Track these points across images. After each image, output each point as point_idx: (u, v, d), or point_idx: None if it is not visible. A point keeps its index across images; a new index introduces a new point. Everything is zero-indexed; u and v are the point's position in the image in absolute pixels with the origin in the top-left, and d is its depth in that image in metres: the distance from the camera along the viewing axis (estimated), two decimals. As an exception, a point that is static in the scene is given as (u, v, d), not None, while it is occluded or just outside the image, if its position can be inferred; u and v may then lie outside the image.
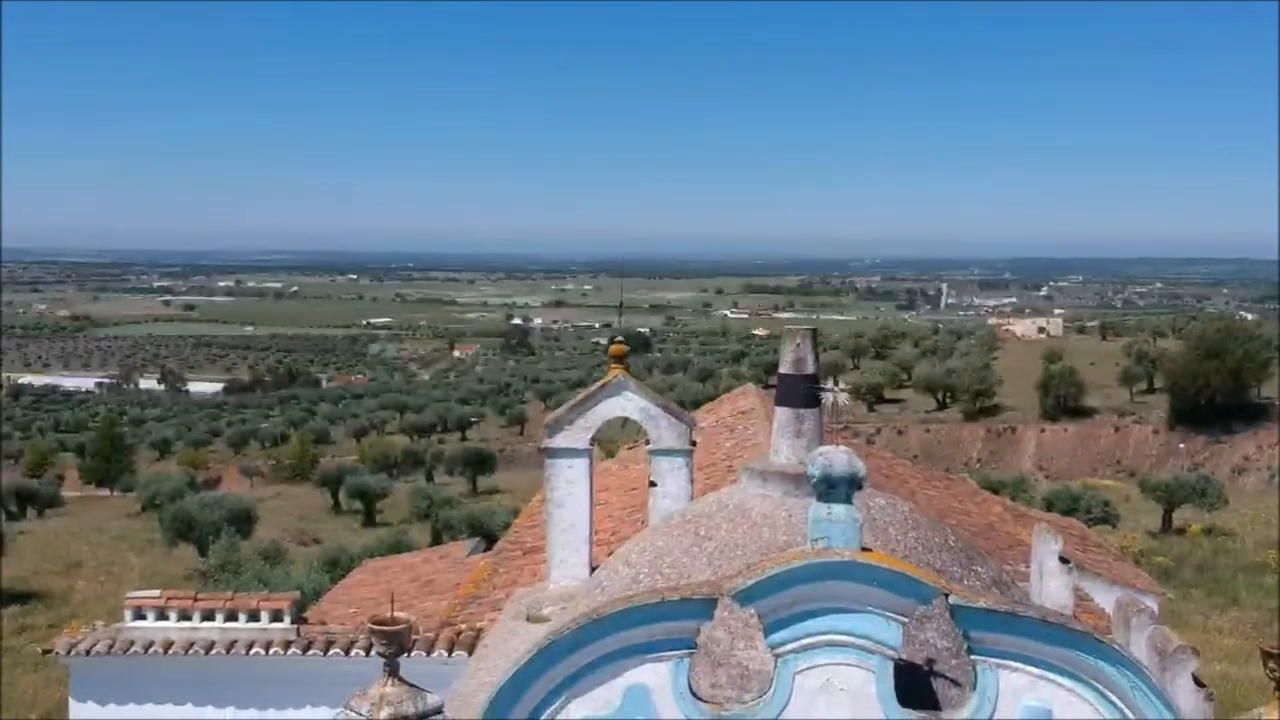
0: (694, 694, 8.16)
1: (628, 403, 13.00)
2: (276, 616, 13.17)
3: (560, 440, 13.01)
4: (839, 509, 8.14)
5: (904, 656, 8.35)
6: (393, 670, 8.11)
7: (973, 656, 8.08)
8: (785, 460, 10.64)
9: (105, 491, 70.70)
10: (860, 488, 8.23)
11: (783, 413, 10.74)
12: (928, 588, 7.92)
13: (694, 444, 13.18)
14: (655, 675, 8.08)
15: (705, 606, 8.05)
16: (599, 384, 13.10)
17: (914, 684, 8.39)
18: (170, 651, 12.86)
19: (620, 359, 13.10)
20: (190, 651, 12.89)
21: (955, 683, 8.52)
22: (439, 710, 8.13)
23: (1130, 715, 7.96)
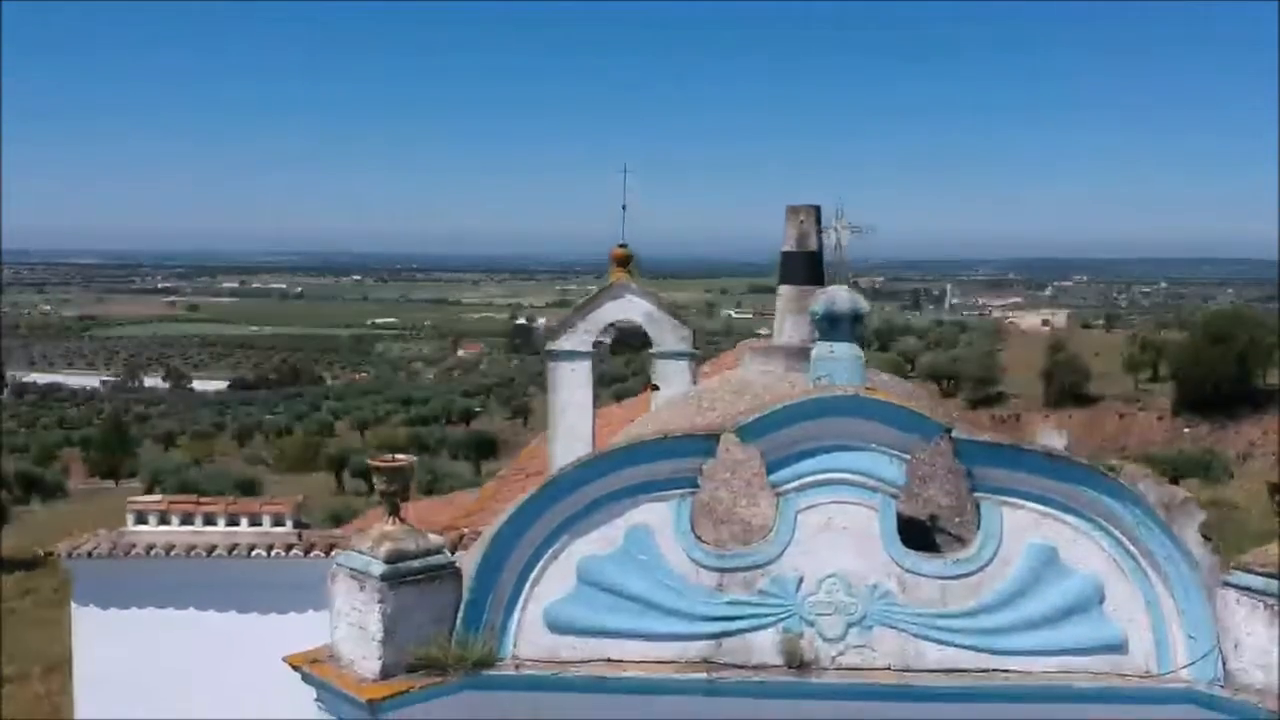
0: (696, 534, 8.12)
1: (630, 306, 12.97)
2: (278, 521, 13.12)
3: (564, 343, 12.98)
4: (841, 347, 8.11)
5: (907, 494, 8.32)
6: (394, 509, 8.08)
7: (976, 494, 8.03)
8: (788, 339, 10.61)
9: (110, 483, 70.67)
10: (862, 323, 8.17)
11: (786, 290, 10.71)
12: (931, 423, 7.88)
13: (697, 349, 13.13)
14: (657, 515, 8.05)
15: (707, 444, 8.02)
16: (601, 287, 13.06)
17: (917, 522, 8.37)
18: (171, 554, 12.81)
19: (623, 263, 13.05)
20: (192, 554, 12.83)
21: (959, 521, 8.49)
22: (440, 550, 8.10)
23: (1136, 551, 7.91)
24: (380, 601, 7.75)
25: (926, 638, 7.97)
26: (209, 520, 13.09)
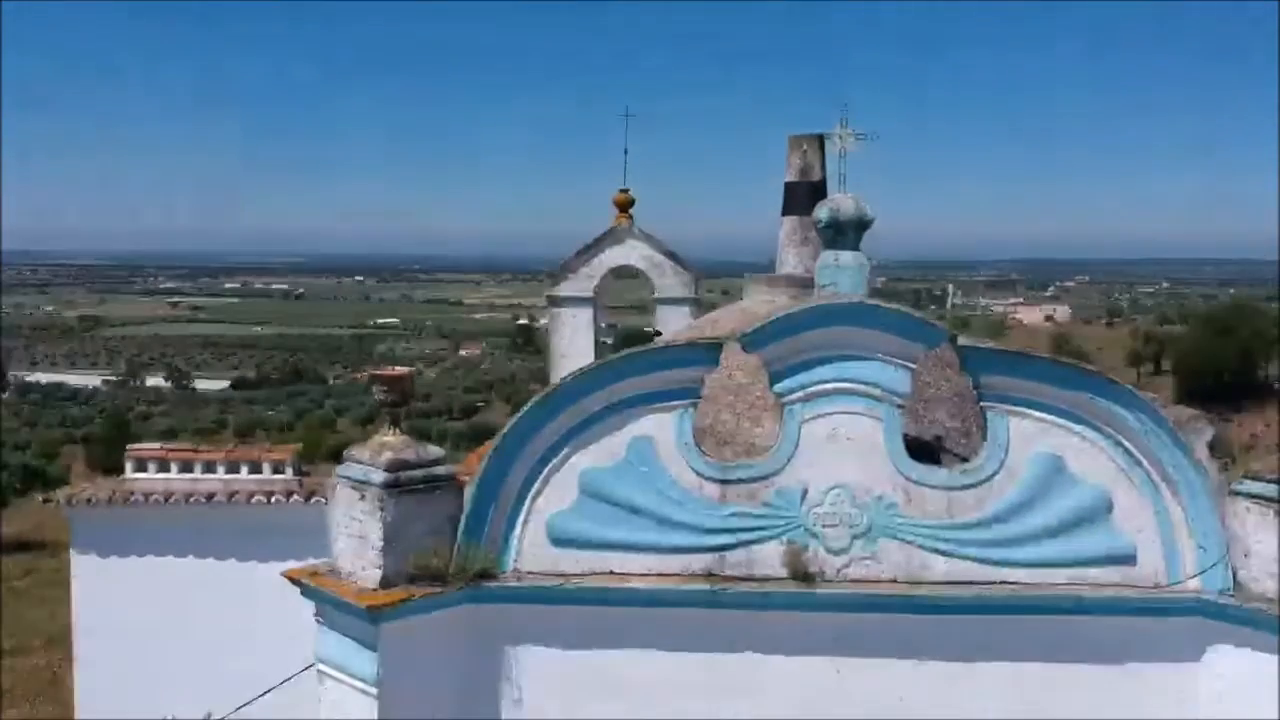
0: (699, 446, 8.04)
1: (631, 250, 12.93)
2: (278, 468, 13.06)
3: (565, 289, 12.93)
4: (846, 255, 8.03)
5: (912, 405, 8.24)
6: (394, 420, 8.00)
7: (982, 403, 7.94)
8: (791, 269, 10.54)
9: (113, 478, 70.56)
10: (868, 229, 8.08)
11: (789, 222, 10.64)
12: (936, 330, 7.80)
13: (698, 295, 13.08)
14: (660, 426, 7.97)
15: (710, 353, 7.93)
16: (603, 232, 13.00)
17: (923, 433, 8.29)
18: (171, 501, 12.75)
19: (624, 207, 12.99)
20: (191, 501, 12.78)
21: (964, 431, 8.41)
22: (441, 461, 8.02)
23: (1144, 460, 7.82)
24: (381, 510, 7.67)
25: (932, 549, 7.89)
26: (209, 468, 13.05)
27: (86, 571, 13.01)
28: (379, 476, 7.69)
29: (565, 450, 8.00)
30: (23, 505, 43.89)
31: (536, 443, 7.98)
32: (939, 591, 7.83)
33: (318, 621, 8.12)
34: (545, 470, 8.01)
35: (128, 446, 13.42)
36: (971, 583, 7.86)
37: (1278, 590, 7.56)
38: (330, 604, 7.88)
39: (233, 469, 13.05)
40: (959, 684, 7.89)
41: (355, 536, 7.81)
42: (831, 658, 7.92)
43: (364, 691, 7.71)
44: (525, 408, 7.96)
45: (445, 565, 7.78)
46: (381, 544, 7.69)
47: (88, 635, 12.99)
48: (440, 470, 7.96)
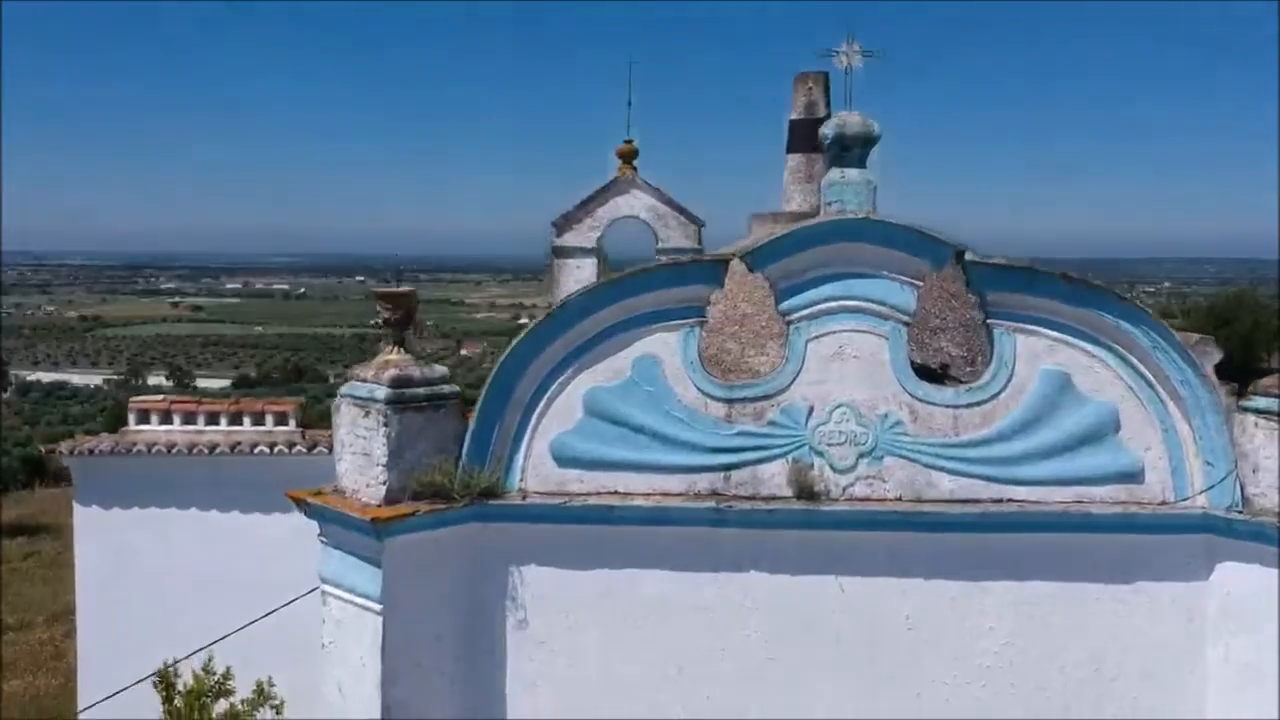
0: (704, 364, 8.01)
1: (635, 201, 12.89)
2: (281, 419, 13.03)
3: (568, 239, 12.89)
4: (853, 172, 7.99)
5: (918, 341, 8.21)
6: (398, 339, 7.97)
7: (989, 321, 7.91)
8: (797, 207, 10.51)
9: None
10: (874, 146, 8.04)
11: (794, 159, 10.61)
12: (943, 246, 7.76)
13: (703, 247, 13.04)
14: (665, 345, 7.94)
15: (715, 270, 7.90)
16: (606, 182, 12.97)
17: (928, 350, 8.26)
18: (174, 452, 12.71)
19: (628, 158, 12.96)
20: (194, 452, 12.74)
21: (971, 348, 8.38)
22: (445, 380, 7.99)
23: (1152, 377, 7.79)
24: (384, 426, 7.65)
25: (938, 467, 7.85)
26: (211, 419, 13.00)
27: (89, 522, 12.96)
28: (382, 392, 7.66)
29: (570, 370, 7.97)
30: (24, 496, 43.92)
31: (541, 362, 7.95)
32: (944, 509, 7.80)
33: (321, 542, 8.09)
34: (550, 390, 7.98)
35: (130, 399, 13.39)
36: (977, 501, 7.83)
37: (1285, 505, 7.53)
38: (334, 521, 7.84)
39: (235, 421, 13.01)
40: (965, 602, 7.87)
41: (359, 454, 7.78)
42: (836, 576, 7.90)
43: (367, 609, 7.68)
44: (529, 327, 7.93)
45: (450, 483, 7.74)
46: (385, 460, 7.66)
47: (90, 586, 12.94)
48: (445, 389, 7.93)
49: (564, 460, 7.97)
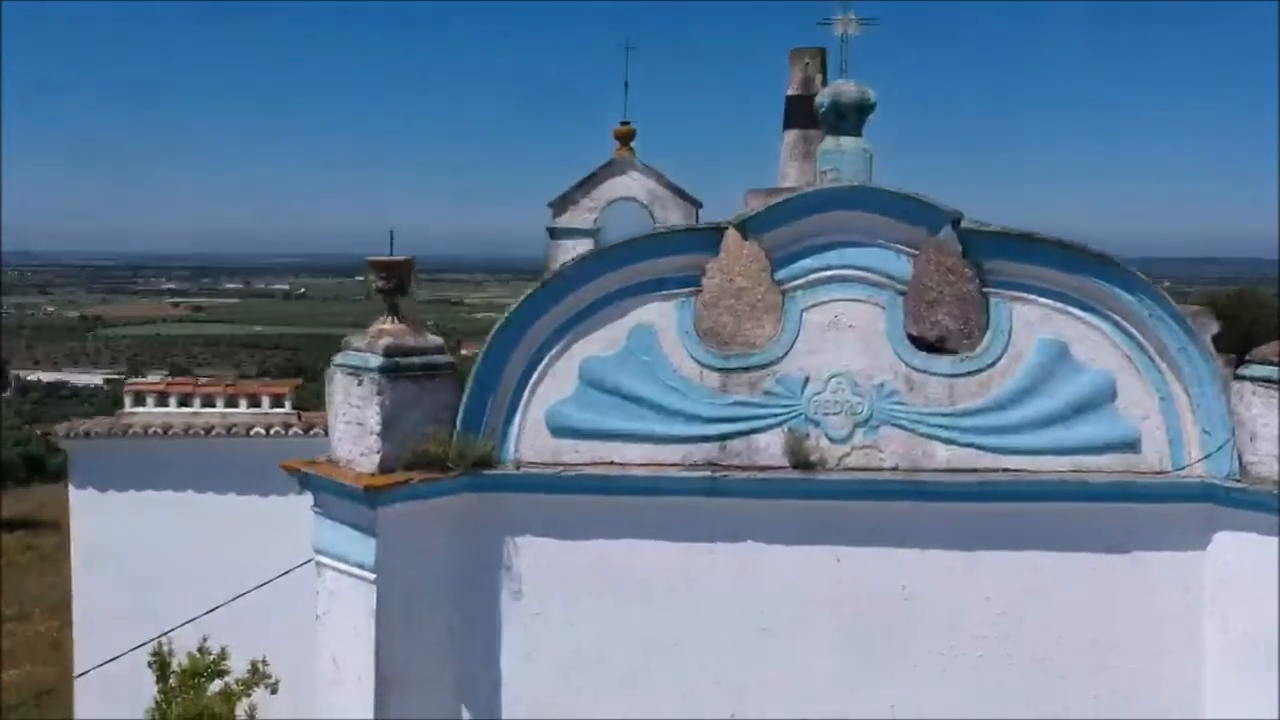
0: (699, 333, 7.98)
1: (633, 183, 12.86)
2: (277, 402, 13.00)
3: (565, 220, 12.87)
4: (848, 140, 7.96)
5: (915, 315, 8.17)
6: (393, 308, 7.94)
7: (986, 290, 7.88)
8: (793, 183, 10.47)
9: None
10: (870, 114, 8.01)
11: (790, 135, 10.58)
12: (939, 212, 7.73)
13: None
14: (660, 314, 7.91)
15: (711, 238, 7.87)
16: (604, 163, 12.94)
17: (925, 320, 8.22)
18: (170, 434, 12.68)
19: (625, 140, 12.93)
20: (190, 434, 12.71)
21: (968, 321, 8.35)
22: (440, 349, 7.96)
23: (1149, 345, 7.76)
24: (379, 394, 7.62)
25: (935, 437, 7.82)
26: (207, 402, 12.97)
27: (84, 505, 12.92)
28: (376, 361, 7.63)
29: (565, 339, 7.94)
30: (24, 492, 43.93)
31: (536, 331, 7.91)
32: (941, 479, 7.77)
33: (315, 512, 8.06)
34: (545, 359, 7.94)
35: (127, 382, 13.36)
36: (974, 470, 7.80)
37: (1283, 473, 7.50)
38: (328, 490, 7.81)
39: (231, 403, 12.97)
40: (961, 573, 7.83)
41: (353, 423, 7.75)
42: (832, 546, 7.86)
43: (362, 579, 7.65)
44: (524, 295, 7.89)
45: (444, 453, 7.71)
46: (379, 429, 7.63)
47: (86, 569, 12.91)
48: (439, 359, 7.90)
49: (559, 430, 7.94)
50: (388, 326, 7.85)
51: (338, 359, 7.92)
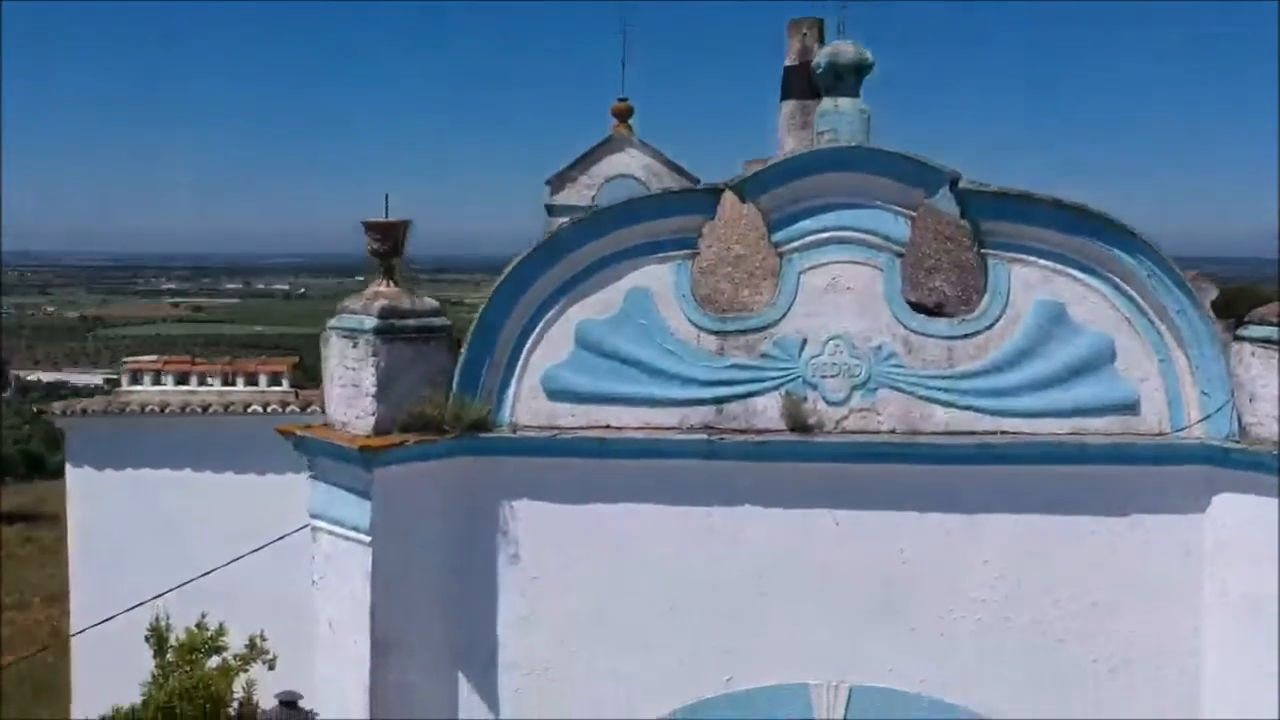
0: (697, 299, 7.95)
1: (630, 159, 12.83)
2: (275, 379, 12.94)
3: (563, 197, 12.83)
4: (845, 101, 7.94)
5: (912, 280, 8.14)
6: (388, 271, 7.91)
7: (983, 251, 7.85)
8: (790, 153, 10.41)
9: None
10: (867, 74, 7.97)
11: (788, 106, 10.55)
12: (937, 172, 7.69)
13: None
14: (657, 278, 7.87)
15: (708, 200, 7.84)
16: (601, 140, 12.90)
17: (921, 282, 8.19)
18: (167, 412, 12.62)
19: (623, 117, 12.90)
20: (187, 412, 12.65)
21: (966, 287, 8.31)
22: (435, 312, 7.93)
23: (1148, 306, 7.72)
24: (374, 356, 7.59)
25: (933, 399, 7.79)
26: (204, 380, 12.91)
27: (81, 483, 12.86)
28: (371, 322, 7.61)
29: (561, 302, 7.91)
30: (24, 487, 43.96)
31: (532, 294, 7.88)
32: (939, 441, 7.73)
33: (310, 477, 8.03)
34: (541, 322, 7.91)
35: (123, 360, 13.32)
36: (972, 433, 7.77)
37: (1282, 433, 7.46)
38: (323, 453, 7.78)
39: (228, 381, 12.92)
40: (960, 535, 7.80)
41: (348, 385, 7.72)
42: (830, 509, 7.83)
43: (357, 541, 7.62)
44: (519, 257, 7.85)
45: (440, 415, 7.68)
46: (375, 391, 7.61)
47: (83, 547, 12.84)
48: (435, 321, 7.87)
49: (555, 394, 7.91)
50: (383, 289, 7.82)
51: (332, 322, 7.89)
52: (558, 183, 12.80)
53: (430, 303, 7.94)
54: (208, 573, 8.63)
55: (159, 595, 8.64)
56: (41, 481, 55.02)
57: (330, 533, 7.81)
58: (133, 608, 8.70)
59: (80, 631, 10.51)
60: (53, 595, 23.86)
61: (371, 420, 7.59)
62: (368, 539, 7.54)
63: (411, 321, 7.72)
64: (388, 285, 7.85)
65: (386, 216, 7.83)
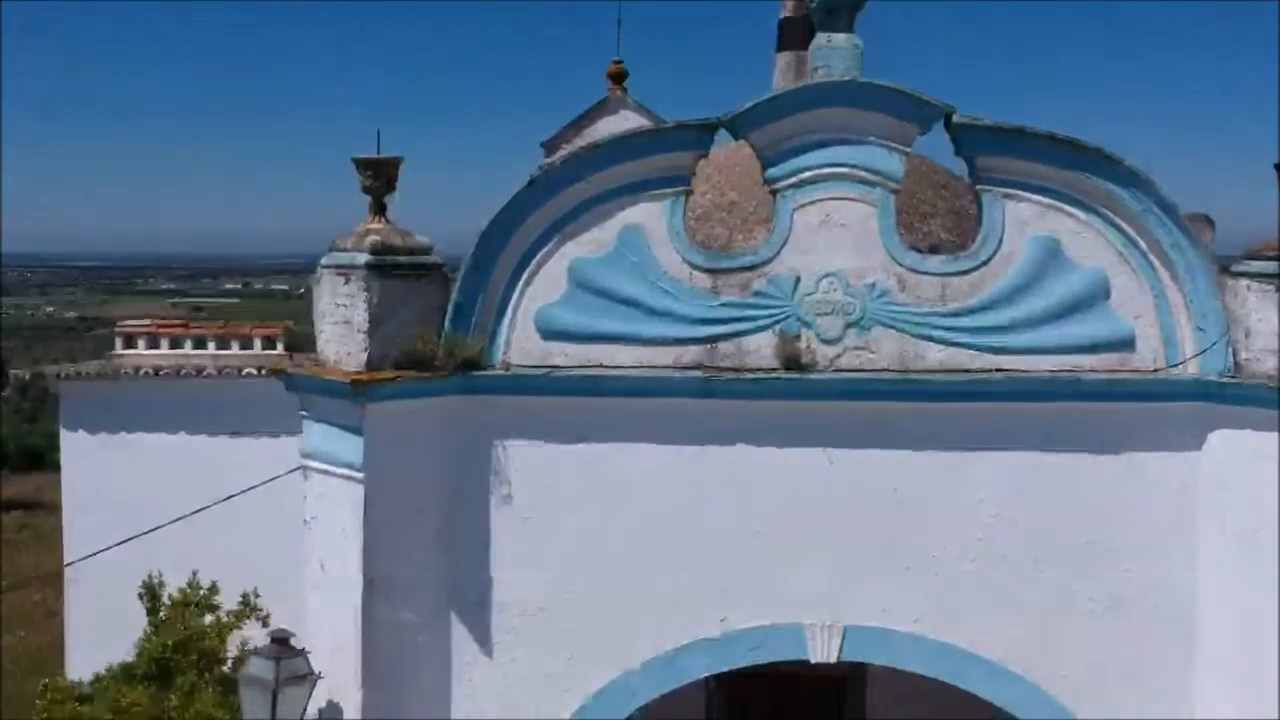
0: (689, 234, 7.91)
1: (625, 122, 12.77)
2: (269, 344, 12.90)
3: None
4: (839, 36, 7.89)
5: (906, 224, 8.10)
6: (380, 208, 7.87)
7: (978, 187, 7.82)
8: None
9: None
10: (861, 10, 7.92)
11: (784, 58, 10.54)
12: (931, 107, 7.66)
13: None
14: (650, 215, 7.84)
15: (700, 136, 7.79)
16: (596, 102, 12.87)
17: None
18: (161, 375, 12.58)
19: (618, 79, 12.86)
20: (182, 375, 12.61)
21: (960, 226, 8.28)
22: (427, 250, 7.90)
23: (1142, 242, 7.69)
24: (366, 291, 7.55)
25: (927, 337, 7.76)
26: (199, 343, 12.87)
27: (75, 448, 12.83)
28: (363, 258, 7.57)
29: (554, 240, 7.86)
30: (23, 479, 43.98)
31: (525, 232, 7.83)
32: (933, 379, 7.69)
33: (302, 417, 8.00)
34: (534, 261, 7.86)
35: (117, 324, 13.29)
36: (966, 370, 7.73)
37: (1278, 367, 7.43)
38: (315, 390, 7.75)
39: (223, 345, 12.88)
40: (954, 474, 7.77)
41: (340, 323, 7.68)
42: (824, 448, 7.79)
43: (350, 478, 7.58)
44: (513, 194, 7.80)
45: (432, 353, 7.64)
46: (366, 327, 7.57)
47: (76, 510, 12.80)
48: (427, 259, 7.83)
49: (549, 333, 7.87)
50: (374, 226, 7.77)
51: (325, 260, 7.84)
52: (552, 146, 12.77)
53: (422, 240, 7.89)
54: (201, 509, 8.55)
55: (152, 529, 8.54)
56: (39, 474, 55.08)
57: (323, 471, 7.78)
58: (127, 539, 8.56)
59: (72, 562, 10.45)
60: (47, 577, 23.84)
61: (364, 357, 7.55)
62: (360, 475, 7.51)
63: (404, 258, 7.68)
64: (379, 222, 7.80)
65: (379, 153, 7.78)
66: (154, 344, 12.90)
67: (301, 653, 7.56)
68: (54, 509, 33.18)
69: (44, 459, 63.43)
